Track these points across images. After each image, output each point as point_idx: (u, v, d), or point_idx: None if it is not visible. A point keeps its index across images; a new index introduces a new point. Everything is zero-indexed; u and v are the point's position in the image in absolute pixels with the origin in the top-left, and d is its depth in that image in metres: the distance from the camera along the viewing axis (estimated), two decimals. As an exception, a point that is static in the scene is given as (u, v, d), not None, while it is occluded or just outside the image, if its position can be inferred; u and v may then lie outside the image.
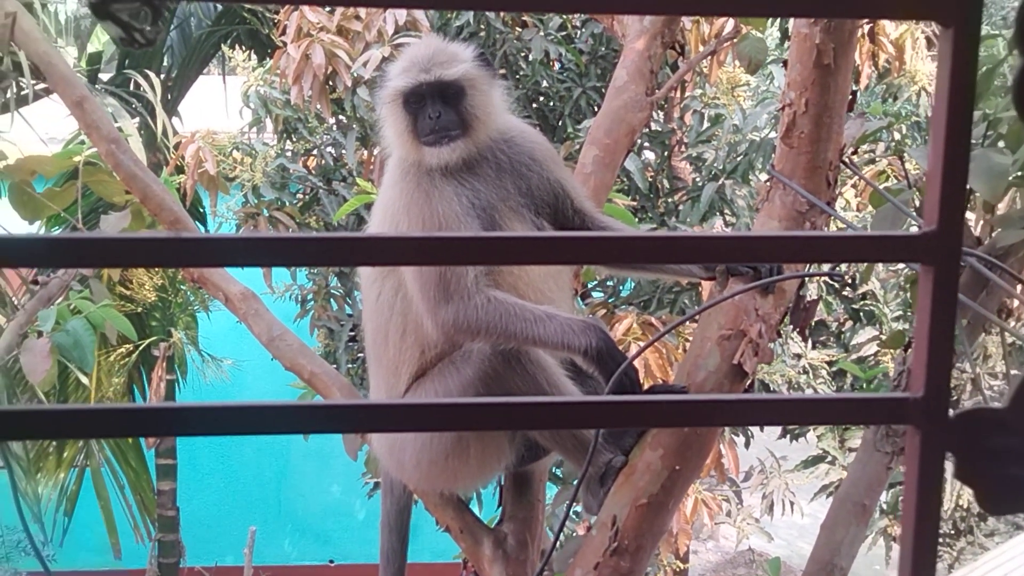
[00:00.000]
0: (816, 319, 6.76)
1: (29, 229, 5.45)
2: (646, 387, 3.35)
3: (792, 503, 7.29)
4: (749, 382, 2.34)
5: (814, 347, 6.76)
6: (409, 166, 2.56)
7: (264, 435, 0.65)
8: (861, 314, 6.83)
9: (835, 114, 2.25)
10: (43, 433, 0.65)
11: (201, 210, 8.00)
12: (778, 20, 6.23)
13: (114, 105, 7.36)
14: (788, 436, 7.08)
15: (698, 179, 6.71)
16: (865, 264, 4.54)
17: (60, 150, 5.92)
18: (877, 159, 5.68)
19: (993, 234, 2.81)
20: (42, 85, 6.25)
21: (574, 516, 5.62)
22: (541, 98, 6.93)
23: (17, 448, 7.58)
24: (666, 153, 6.80)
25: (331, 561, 10.56)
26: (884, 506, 6.50)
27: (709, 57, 5.87)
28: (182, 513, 9.00)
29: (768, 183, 2.37)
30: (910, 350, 2.89)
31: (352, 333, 6.62)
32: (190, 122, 8.34)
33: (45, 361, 4.39)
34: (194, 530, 9.29)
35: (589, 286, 6.49)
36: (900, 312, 6.71)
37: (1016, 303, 3.37)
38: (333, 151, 6.90)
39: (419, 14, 6.04)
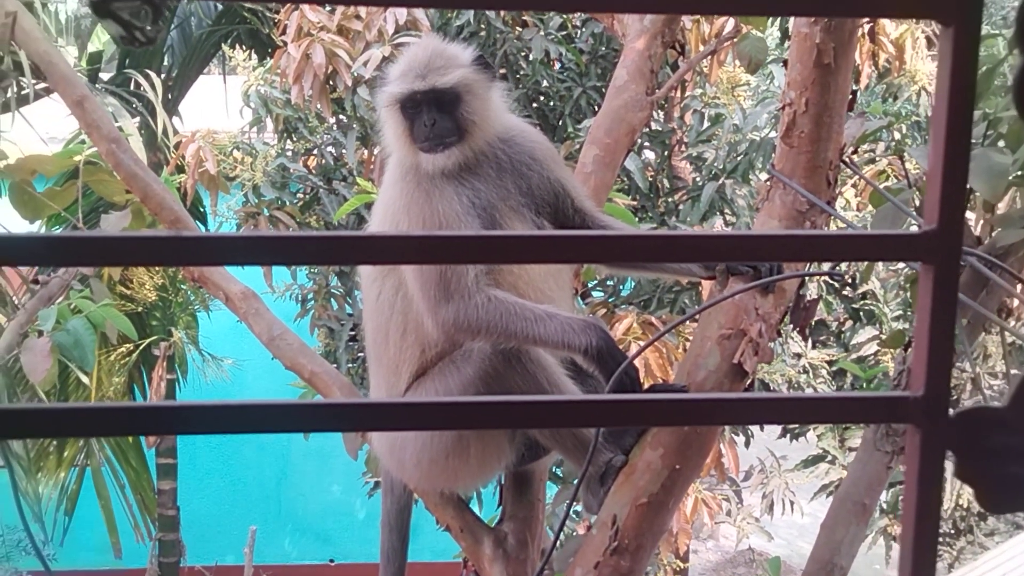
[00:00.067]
0: (816, 319, 6.76)
1: (30, 228, 5.45)
2: (646, 386, 3.35)
3: (792, 502, 7.29)
4: (749, 381, 2.34)
5: (814, 346, 6.77)
6: (409, 166, 2.56)
7: (265, 434, 0.65)
8: (861, 314, 6.83)
9: (835, 113, 2.25)
10: (44, 432, 0.65)
11: (201, 209, 8.00)
12: (778, 20, 6.23)
13: (114, 105, 7.36)
14: (788, 436, 7.08)
15: (698, 179, 6.71)
16: (865, 264, 4.54)
17: (60, 149, 5.92)
18: (877, 159, 5.69)
19: (993, 234, 2.81)
20: (43, 84, 6.25)
21: (574, 515, 5.62)
22: (541, 97, 6.94)
23: (18, 448, 7.59)
24: (666, 153, 6.80)
25: (331, 560, 10.56)
26: (884, 505, 6.51)
27: (709, 57, 5.87)
28: (182, 512, 9.00)
29: (768, 182, 2.37)
30: (910, 349, 2.89)
31: (352, 332, 6.62)
32: (190, 122, 8.34)
33: (45, 360, 4.39)
34: (194, 529, 9.29)
35: (589, 285, 6.49)
36: (900, 312, 6.72)
37: (1016, 303, 3.37)
38: (333, 150, 6.90)
39: (419, 13, 6.04)
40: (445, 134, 2.49)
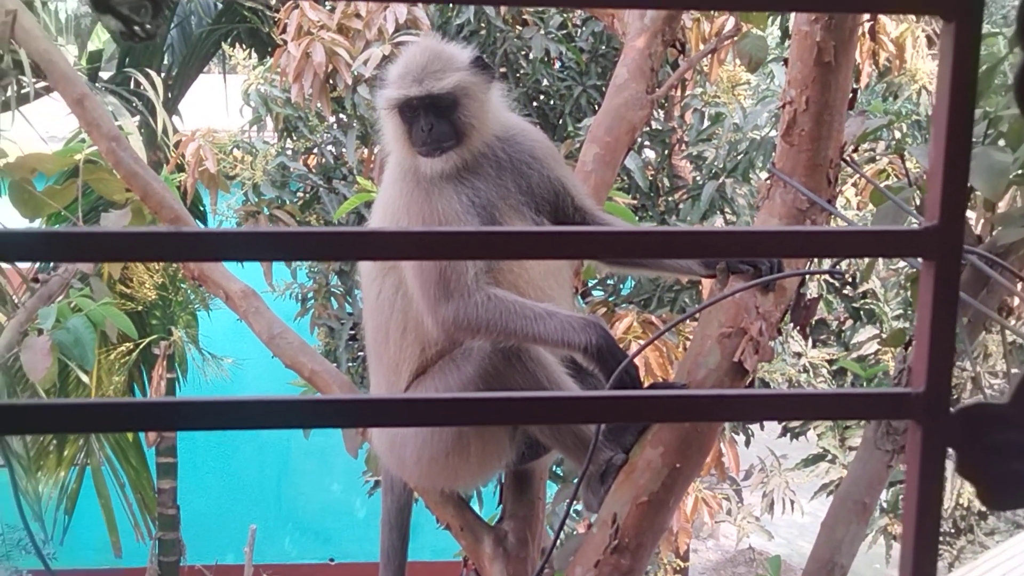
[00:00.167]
0: (816, 317, 6.76)
1: (30, 227, 5.45)
2: (646, 385, 3.35)
3: (792, 501, 7.30)
4: (749, 380, 2.34)
5: (814, 345, 6.77)
6: (408, 167, 2.56)
7: (265, 429, 0.65)
8: (861, 313, 6.83)
9: (836, 112, 2.25)
10: (43, 427, 0.65)
11: (202, 208, 8.00)
12: (779, 18, 6.24)
13: (114, 103, 7.36)
14: (788, 434, 7.08)
15: (698, 177, 6.71)
16: (865, 262, 4.54)
17: (60, 148, 5.92)
18: (878, 157, 5.69)
19: (994, 232, 2.81)
20: (43, 83, 6.25)
21: (574, 514, 5.62)
22: (542, 96, 6.94)
23: (18, 446, 7.58)
24: (667, 151, 6.80)
25: (331, 559, 10.56)
26: (884, 505, 6.51)
27: (710, 55, 5.87)
28: (182, 511, 8.99)
29: (769, 181, 2.37)
30: (910, 348, 2.89)
31: (352, 331, 6.63)
32: (190, 120, 8.34)
33: (45, 359, 4.39)
34: (194, 528, 9.29)
35: (589, 284, 6.49)
36: (900, 311, 6.72)
37: (1017, 301, 3.37)
38: (333, 149, 6.90)
39: (419, 12, 6.05)
40: (443, 138, 2.48)
